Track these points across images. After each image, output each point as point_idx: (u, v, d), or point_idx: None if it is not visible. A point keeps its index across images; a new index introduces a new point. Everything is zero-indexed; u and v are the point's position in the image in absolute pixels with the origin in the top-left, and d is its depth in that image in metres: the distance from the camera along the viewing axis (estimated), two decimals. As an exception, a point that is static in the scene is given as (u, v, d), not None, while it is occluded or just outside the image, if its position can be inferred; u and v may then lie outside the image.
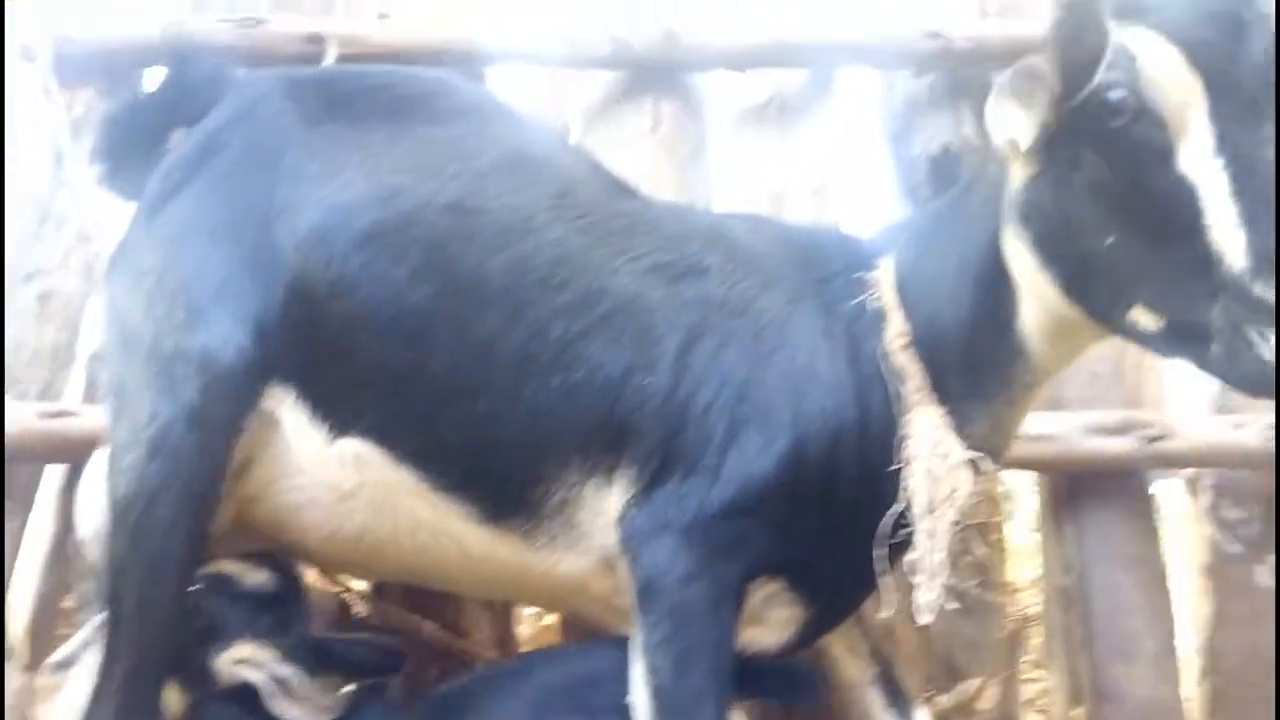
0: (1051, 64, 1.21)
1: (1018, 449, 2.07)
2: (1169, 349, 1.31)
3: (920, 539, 1.43)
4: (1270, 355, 1.15)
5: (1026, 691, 2.33)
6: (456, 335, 1.53)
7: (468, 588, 1.88)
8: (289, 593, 1.65)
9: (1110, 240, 1.27)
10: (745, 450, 1.46)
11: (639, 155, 2.47)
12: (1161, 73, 1.21)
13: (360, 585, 2.11)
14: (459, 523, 1.57)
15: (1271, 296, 1.15)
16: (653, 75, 2.49)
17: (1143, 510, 2.25)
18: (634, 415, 1.50)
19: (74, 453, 2.09)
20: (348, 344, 1.55)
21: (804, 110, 2.57)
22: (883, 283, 1.56)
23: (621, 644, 1.50)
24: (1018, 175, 1.39)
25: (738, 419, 1.48)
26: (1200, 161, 1.19)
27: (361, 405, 1.57)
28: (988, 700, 1.88)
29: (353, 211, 1.57)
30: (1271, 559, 2.26)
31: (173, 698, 1.58)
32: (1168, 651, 2.16)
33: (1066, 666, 2.22)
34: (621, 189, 1.76)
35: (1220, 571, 2.29)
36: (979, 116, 2.39)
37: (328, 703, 1.50)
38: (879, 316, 1.54)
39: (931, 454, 1.44)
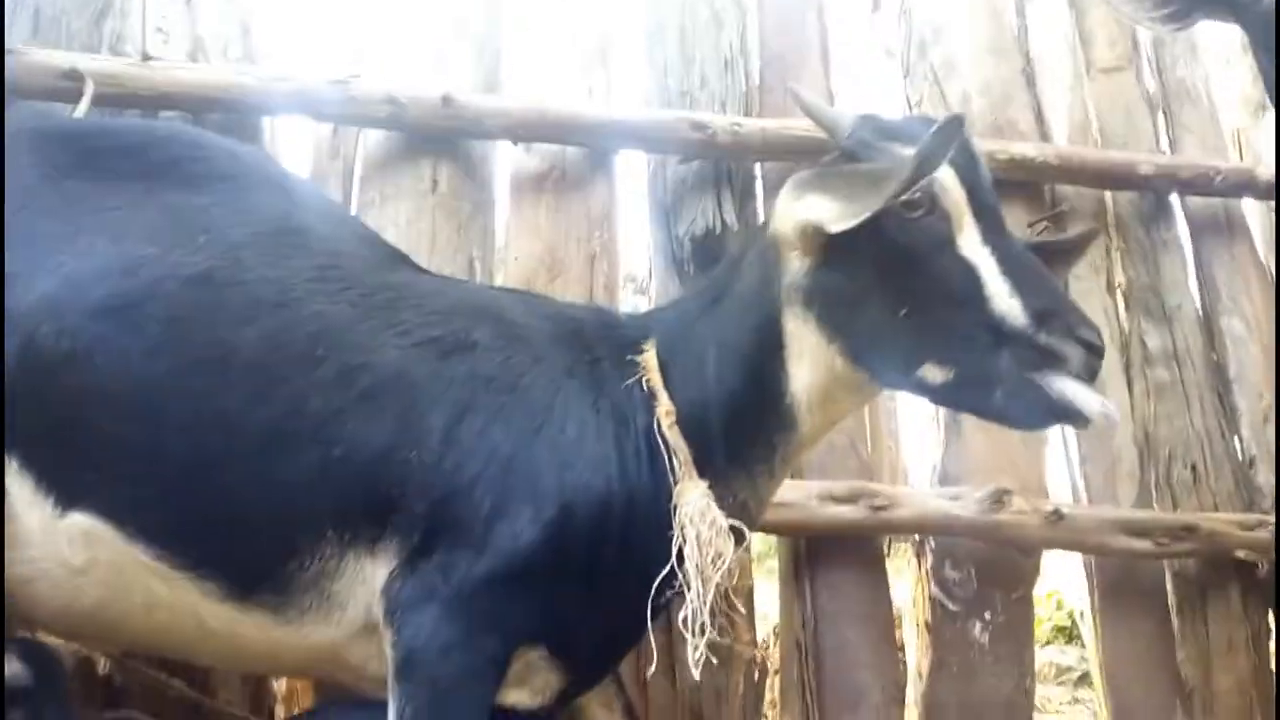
0: (904, 174, 1.44)
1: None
2: (954, 398, 1.57)
3: (691, 600, 1.52)
4: (1057, 390, 1.42)
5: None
6: (196, 412, 1.49)
7: (214, 661, 1.84)
8: (46, 684, 1.54)
9: (903, 312, 1.51)
10: (512, 522, 1.49)
11: (418, 213, 2.52)
12: (944, 181, 1.51)
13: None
14: (200, 600, 1.52)
15: (1055, 342, 1.43)
16: (432, 139, 2.54)
17: (873, 571, 2.45)
18: (396, 490, 1.50)
19: None
20: (77, 417, 1.49)
21: (581, 182, 2.68)
22: (649, 364, 1.66)
23: (381, 707, 1.48)
24: (797, 263, 1.60)
25: (504, 492, 1.50)
26: (974, 247, 1.51)
27: (91, 480, 1.50)
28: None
29: (89, 283, 1.51)
30: (987, 615, 2.51)
31: None
32: (892, 701, 2.35)
33: (801, 714, 2.35)
34: (391, 260, 1.79)
35: (939, 627, 2.50)
36: (736, 203, 2.65)
37: None
38: (648, 396, 1.63)
39: (700, 522, 1.54)
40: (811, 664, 2.34)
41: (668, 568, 1.52)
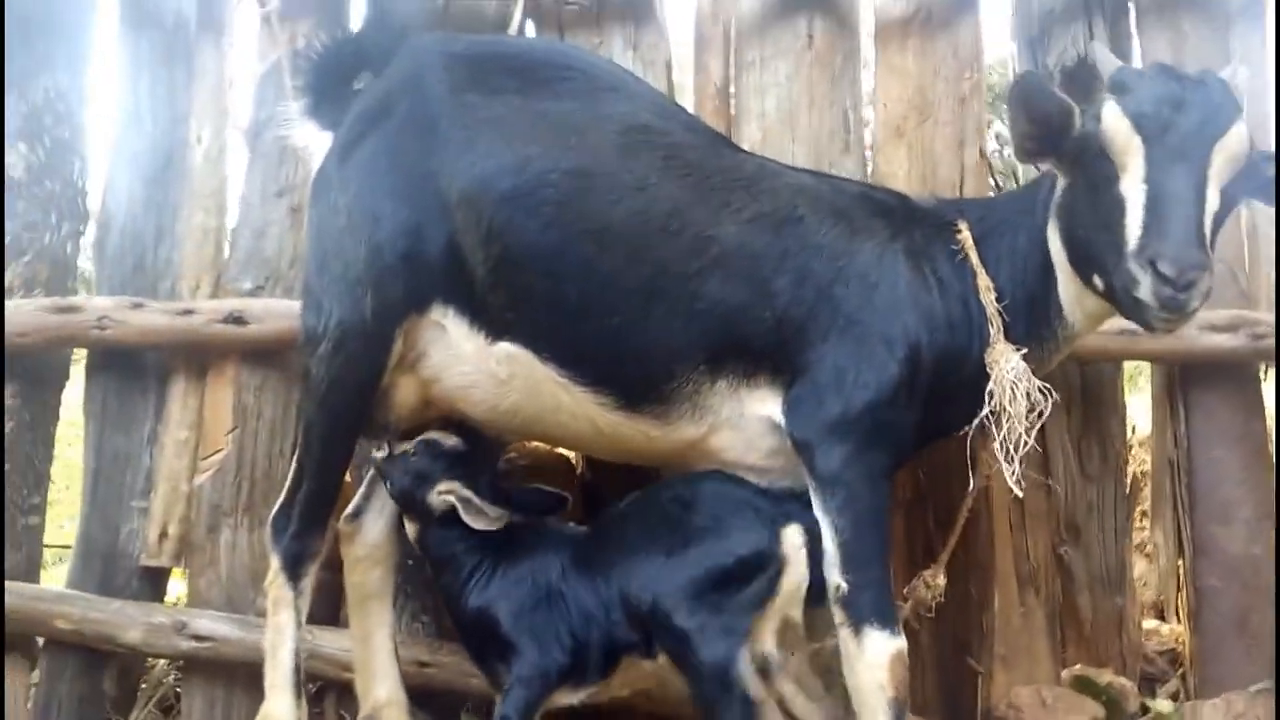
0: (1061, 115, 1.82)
1: (1139, 343, 2.39)
2: (1109, 301, 1.85)
3: (1004, 438, 1.90)
4: (1146, 296, 1.69)
5: (1137, 538, 2.68)
6: (585, 270, 1.95)
7: (598, 452, 2.30)
8: (476, 450, 2.16)
9: (1083, 231, 1.85)
10: (874, 362, 1.90)
11: (796, 70, 2.74)
12: (1113, 130, 1.78)
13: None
14: (595, 409, 2.01)
15: (1135, 268, 1.70)
16: (807, -6, 2.71)
17: (1248, 394, 2.53)
18: (758, 340, 1.95)
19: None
20: (498, 277, 1.98)
21: (946, 23, 2.76)
22: (966, 243, 1.99)
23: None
24: (1059, 183, 1.92)
25: (860, 339, 1.91)
26: (1132, 185, 1.75)
27: (511, 320, 2.01)
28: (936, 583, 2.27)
29: (494, 179, 1.98)
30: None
31: (410, 528, 2.15)
32: (1264, 516, 2.48)
33: (1173, 526, 2.56)
34: (716, 144, 2.15)
35: (1313, 448, 2.58)
36: (1108, 29, 2.62)
37: (497, 515, 2.04)
38: (965, 267, 1.98)
39: (1020, 379, 1.90)
40: (1184, 479, 2.52)
41: (985, 410, 1.89)
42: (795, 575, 1.91)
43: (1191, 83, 1.79)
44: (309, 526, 2.13)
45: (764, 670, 1.92)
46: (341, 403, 2.08)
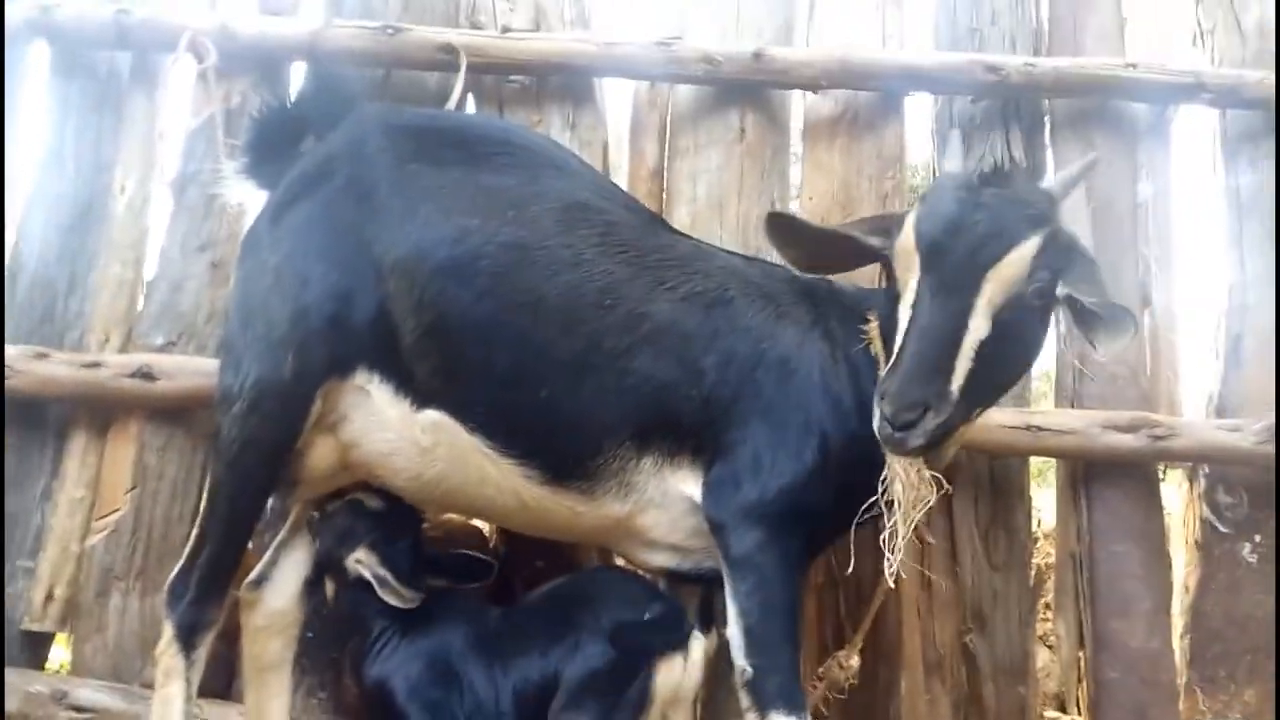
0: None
1: (1045, 440, 2.49)
2: None
3: (891, 526, 1.91)
4: (878, 429, 1.74)
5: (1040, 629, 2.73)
6: (518, 341, 1.96)
7: (523, 528, 2.26)
8: (400, 513, 2.13)
9: None
10: (790, 449, 1.94)
11: (727, 160, 2.82)
12: (901, 248, 1.84)
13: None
14: (521, 481, 2.00)
15: (877, 404, 1.75)
16: (740, 90, 2.82)
17: (1149, 494, 2.63)
18: (683, 418, 1.97)
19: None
20: (428, 344, 1.98)
21: (871, 125, 2.89)
22: (873, 334, 2.02)
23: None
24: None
25: (777, 425, 1.95)
26: (903, 311, 1.82)
27: (438, 388, 2.00)
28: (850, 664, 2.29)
29: (431, 248, 1.99)
30: (1257, 538, 2.66)
31: (329, 586, 2.12)
32: (1161, 610, 2.57)
33: (1074, 618, 2.63)
34: (653, 224, 2.20)
35: (1210, 547, 2.68)
36: (1025, 139, 2.78)
37: (412, 597, 2.01)
38: (872, 360, 2.00)
39: (909, 472, 1.90)
40: (1086, 574, 2.60)
41: (875, 499, 1.91)
42: (669, 678, 1.90)
43: (979, 201, 1.80)
44: (208, 593, 2.05)
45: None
46: (253, 463, 2.03)
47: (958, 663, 2.58)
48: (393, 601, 2.01)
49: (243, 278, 2.18)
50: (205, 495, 2.14)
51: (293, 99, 2.36)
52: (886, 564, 1.90)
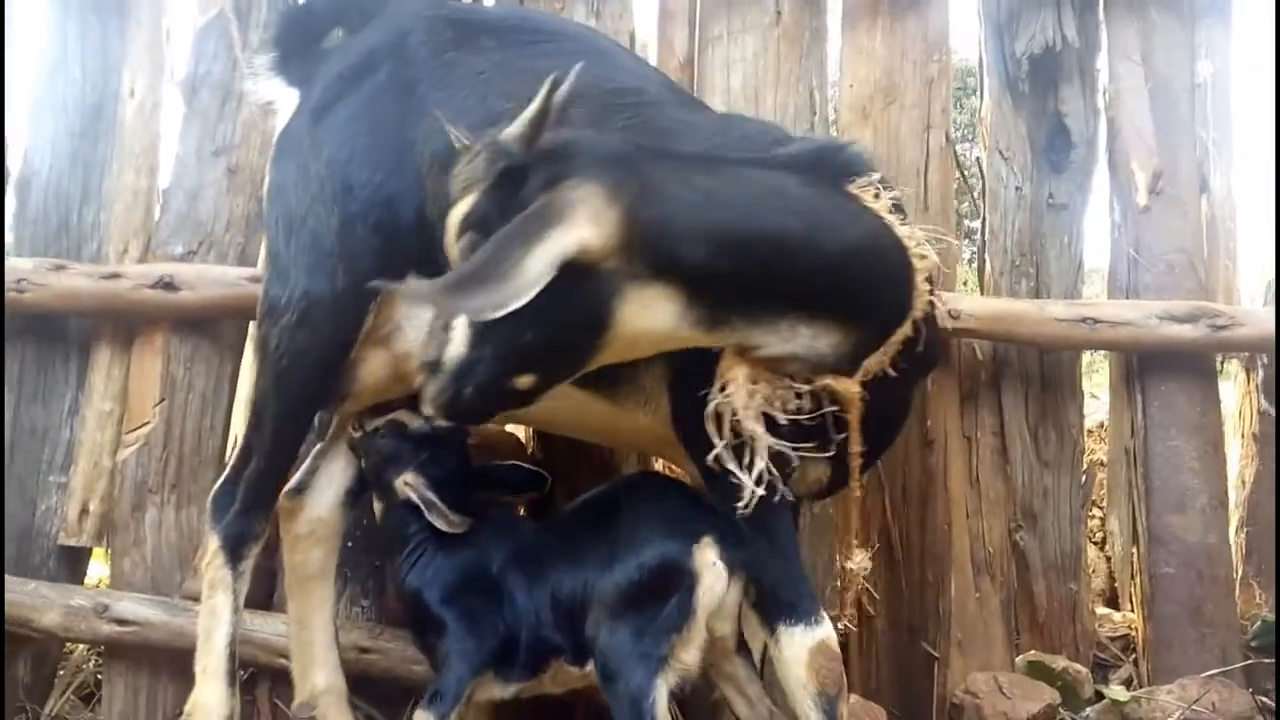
0: None
1: (1099, 332, 2.38)
2: None
3: None
4: None
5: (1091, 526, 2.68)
6: None
7: (580, 432, 2.19)
8: (442, 437, 2.04)
9: None
10: None
11: (763, 46, 2.67)
12: None
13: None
14: (564, 385, 1.83)
15: None
16: (776, -31, 2.66)
17: (1206, 386, 2.53)
18: None
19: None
20: None
21: (915, 5, 2.72)
22: None
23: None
24: None
25: None
26: None
27: None
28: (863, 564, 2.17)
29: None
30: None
31: (377, 506, 2.06)
32: (1219, 505, 2.49)
33: (1128, 514, 2.57)
34: (694, 106, 2.07)
35: (1267, 439, 2.60)
36: (1077, 17, 2.62)
37: (460, 521, 1.94)
38: None
39: None
40: (1140, 469, 2.52)
41: None
42: (712, 592, 1.73)
43: None
44: (255, 505, 1.99)
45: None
46: (302, 377, 1.95)
47: (1007, 561, 2.53)
48: (440, 526, 1.94)
49: (281, 183, 2.06)
50: (250, 408, 2.07)
51: None
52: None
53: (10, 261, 2.51)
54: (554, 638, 1.88)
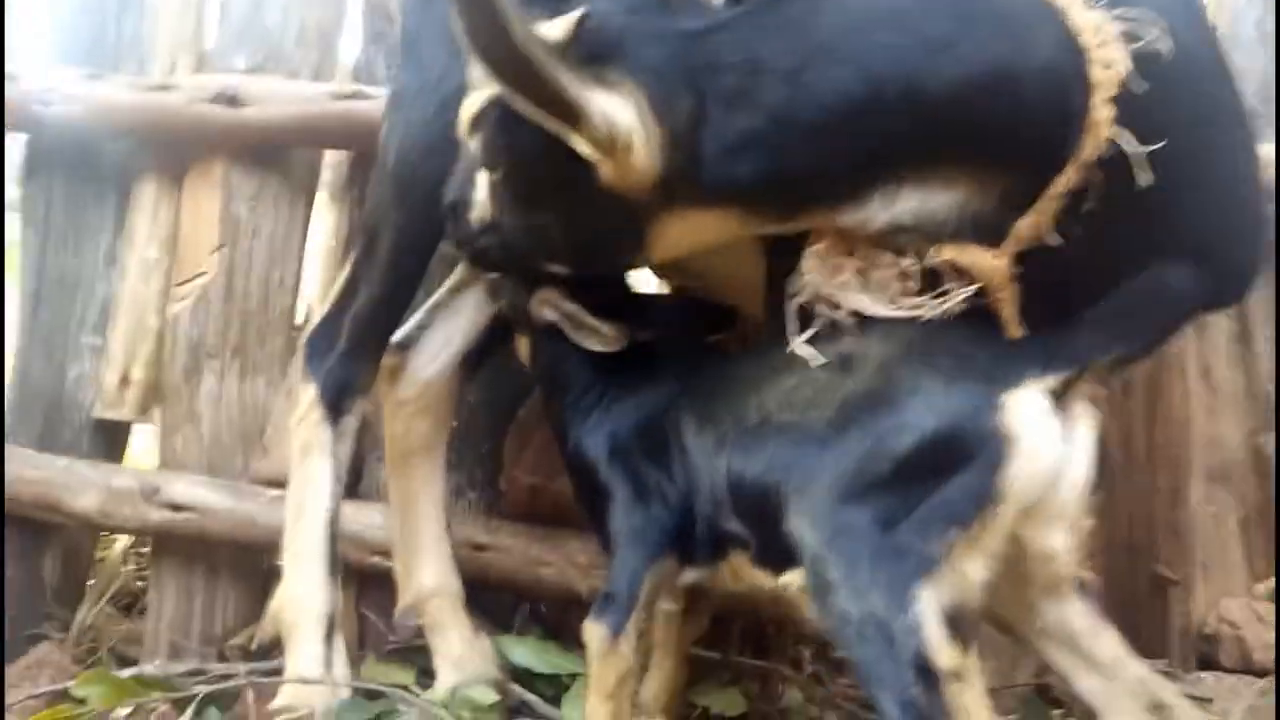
0: None
1: None
2: None
3: None
4: None
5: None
6: None
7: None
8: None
9: None
10: None
11: None
12: None
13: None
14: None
15: None
16: None
17: None
18: None
19: (355, 138, 1.97)
20: None
21: None
22: None
23: None
24: None
25: None
26: None
27: None
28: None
29: None
30: None
31: (521, 345, 1.60)
32: None
33: None
34: None
35: None
36: None
37: (613, 334, 1.49)
38: None
39: None
40: None
41: None
42: (1033, 465, 1.10)
43: None
44: (362, 346, 1.58)
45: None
46: (433, 184, 1.47)
47: (1247, 470, 2.08)
48: (592, 345, 1.47)
49: None
50: (362, 233, 1.65)
51: None
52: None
53: (34, 68, 2.04)
54: (733, 528, 1.34)
